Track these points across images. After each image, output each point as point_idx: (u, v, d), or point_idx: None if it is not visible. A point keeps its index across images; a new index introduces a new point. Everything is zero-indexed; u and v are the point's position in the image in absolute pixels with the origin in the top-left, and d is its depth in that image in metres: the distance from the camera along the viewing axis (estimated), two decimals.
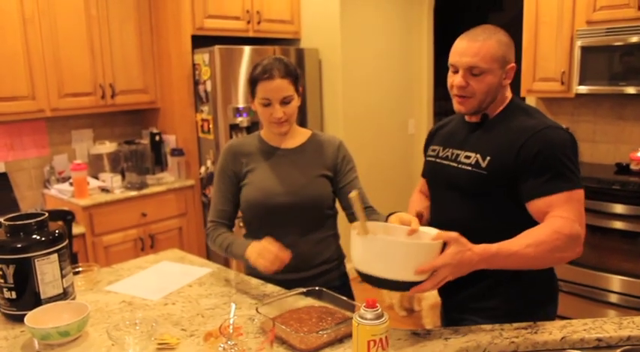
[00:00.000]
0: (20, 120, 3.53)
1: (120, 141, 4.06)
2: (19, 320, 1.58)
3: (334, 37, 4.27)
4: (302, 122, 4.25)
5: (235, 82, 3.78)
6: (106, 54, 3.71)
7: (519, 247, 1.44)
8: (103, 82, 3.70)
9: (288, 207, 1.84)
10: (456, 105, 1.66)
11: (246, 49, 3.83)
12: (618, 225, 3.34)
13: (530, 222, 1.54)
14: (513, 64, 1.64)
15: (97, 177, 3.89)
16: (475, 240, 1.43)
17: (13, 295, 1.65)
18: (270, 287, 1.87)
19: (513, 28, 5.06)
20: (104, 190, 3.65)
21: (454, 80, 1.62)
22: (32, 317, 1.55)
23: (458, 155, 1.70)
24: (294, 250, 1.72)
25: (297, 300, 1.69)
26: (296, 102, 1.83)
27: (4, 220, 1.67)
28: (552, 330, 1.48)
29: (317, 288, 1.67)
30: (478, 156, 1.63)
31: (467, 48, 1.59)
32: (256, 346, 1.27)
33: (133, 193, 3.63)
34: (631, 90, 3.40)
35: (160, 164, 4.10)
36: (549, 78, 3.78)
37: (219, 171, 1.95)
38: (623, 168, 3.68)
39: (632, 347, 1.43)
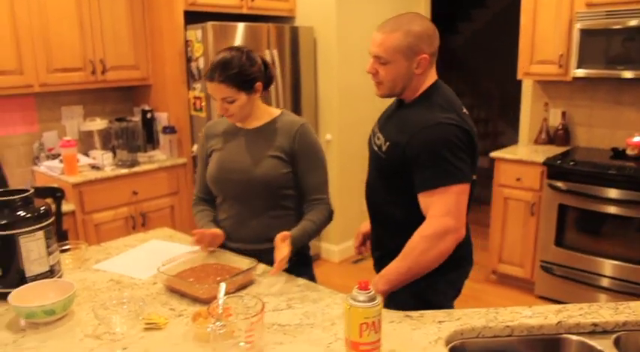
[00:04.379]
0: (8, 95, 3.47)
1: (111, 119, 4.00)
2: (4, 298, 1.54)
3: (329, 15, 4.20)
4: (296, 101, 4.20)
5: None
6: (96, 28, 3.63)
7: (395, 266, 1.70)
8: (93, 58, 3.63)
9: (238, 184, 1.95)
10: (374, 90, 1.81)
11: (240, 26, 3.76)
12: (613, 209, 3.34)
13: None
14: (424, 55, 1.70)
15: (87, 155, 3.83)
16: (387, 212, 1.80)
17: None
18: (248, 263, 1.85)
19: (512, 11, 5.01)
20: (94, 167, 3.60)
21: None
22: (17, 295, 1.52)
23: (376, 135, 1.87)
24: (250, 224, 1.96)
25: (195, 261, 1.84)
26: (241, 102, 1.89)
27: None
28: (548, 315, 1.46)
29: (213, 249, 1.89)
30: (382, 139, 1.81)
31: (375, 38, 1.73)
32: (246, 326, 1.24)
33: (124, 171, 3.59)
34: (629, 74, 3.37)
35: (151, 142, 4.04)
36: (547, 60, 3.74)
37: (198, 150, 2.16)
38: (619, 153, 3.66)
39: (628, 333, 1.41)
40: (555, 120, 4.14)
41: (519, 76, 3.93)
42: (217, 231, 1.93)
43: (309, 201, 1.98)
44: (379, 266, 1.87)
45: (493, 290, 3.99)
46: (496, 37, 7.94)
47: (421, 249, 1.65)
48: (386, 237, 1.90)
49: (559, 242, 3.60)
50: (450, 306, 1.93)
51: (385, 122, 1.88)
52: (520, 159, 3.74)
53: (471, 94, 8.48)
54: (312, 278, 2.04)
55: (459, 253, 1.74)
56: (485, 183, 6.04)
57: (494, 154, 3.90)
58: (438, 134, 1.64)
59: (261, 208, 1.96)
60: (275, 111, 2.02)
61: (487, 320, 1.44)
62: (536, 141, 4.20)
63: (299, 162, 1.95)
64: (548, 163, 3.57)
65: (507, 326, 1.42)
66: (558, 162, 3.53)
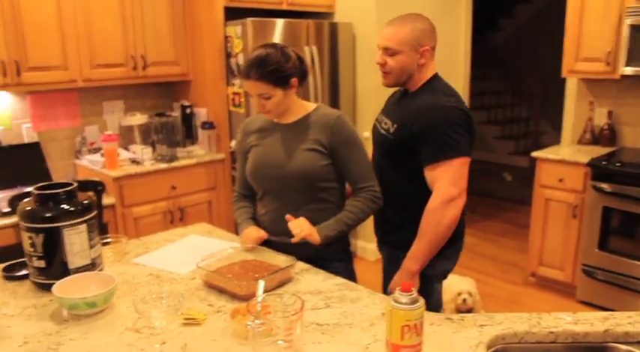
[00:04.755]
0: (52, 90, 3.55)
1: (151, 114, 4.06)
2: (48, 289, 1.58)
3: (369, 11, 4.17)
4: (334, 98, 4.19)
5: None
6: (138, 25, 3.69)
7: (417, 244, 1.91)
8: (134, 53, 3.69)
9: (275, 178, 1.97)
10: (381, 79, 2.04)
11: (279, 22, 3.77)
12: None
13: None
14: (427, 47, 1.98)
15: (127, 149, 3.90)
16: (394, 189, 2.01)
17: (42, 264, 1.65)
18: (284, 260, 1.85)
19: (556, 6, 4.89)
20: (134, 162, 3.66)
21: (377, 58, 2.00)
22: (60, 286, 1.54)
23: (383, 122, 2.09)
24: (288, 212, 1.94)
25: (233, 257, 1.85)
26: (278, 98, 1.89)
27: (34, 189, 1.67)
28: (594, 322, 1.42)
29: (252, 246, 1.91)
30: (390, 123, 2.01)
31: (385, 32, 1.97)
32: (285, 325, 1.24)
33: (163, 165, 3.63)
34: None
35: (190, 137, 4.09)
36: (593, 58, 3.63)
37: (237, 147, 2.18)
38: None
39: None
40: (601, 119, 4.03)
41: (564, 74, 3.84)
42: (261, 232, 1.99)
43: (356, 190, 1.97)
44: (383, 242, 2.18)
45: (532, 293, 3.91)
46: (539, 34, 7.78)
47: (434, 221, 1.87)
48: (390, 213, 2.07)
49: (602, 245, 3.50)
50: (442, 279, 2.14)
51: (391, 109, 2.12)
52: (563, 159, 3.65)
53: (512, 93, 8.35)
54: (352, 275, 2.04)
55: (454, 230, 1.94)
56: (526, 184, 5.94)
57: (535, 154, 3.81)
58: (442, 114, 1.87)
59: (299, 202, 1.97)
60: (311, 106, 2.02)
61: (530, 326, 1.41)
62: (580, 142, 4.09)
63: (339, 154, 1.94)
64: (593, 164, 3.48)
65: (551, 332, 1.39)
66: (603, 163, 3.43)
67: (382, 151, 2.08)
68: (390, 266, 2.09)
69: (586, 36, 3.65)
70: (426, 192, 1.90)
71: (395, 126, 1.99)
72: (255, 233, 1.98)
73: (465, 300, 3.43)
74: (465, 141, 1.89)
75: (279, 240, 1.99)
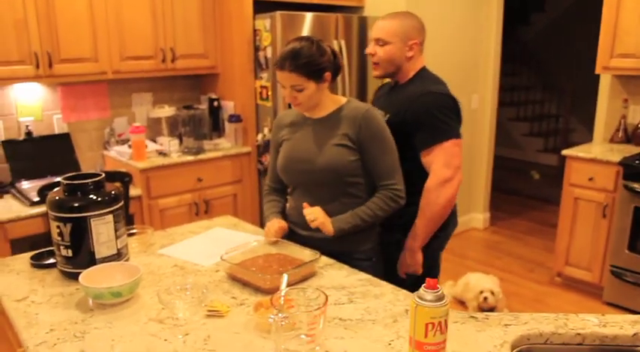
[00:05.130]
0: (83, 82, 3.60)
1: (179, 106, 4.09)
2: (75, 277, 1.60)
3: (399, 5, 4.13)
4: (362, 93, 4.16)
5: None
6: (168, 17, 3.71)
7: (418, 223, 2.08)
8: (164, 46, 3.71)
9: (304, 173, 1.98)
10: (372, 71, 2.18)
11: (308, 16, 3.75)
12: None
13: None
14: (416, 41, 2.10)
15: (155, 141, 3.94)
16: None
17: (70, 253, 1.67)
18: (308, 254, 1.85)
19: (591, 0, 4.78)
20: (161, 154, 3.69)
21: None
22: (86, 275, 1.56)
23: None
24: (316, 205, 1.94)
25: (257, 251, 1.86)
26: (310, 91, 1.89)
27: (63, 179, 1.69)
28: (623, 325, 1.39)
29: (276, 239, 1.93)
30: (382, 114, 2.07)
31: (377, 24, 2.12)
32: (308, 319, 1.23)
33: (190, 158, 3.66)
34: None
35: (217, 130, 4.11)
36: (629, 54, 3.54)
37: (270, 140, 2.19)
38: None
39: None
40: (635, 117, 3.94)
41: (597, 71, 3.75)
42: (282, 223, 2.01)
43: (378, 187, 1.97)
44: (389, 231, 2.16)
45: (558, 293, 3.85)
46: (572, 29, 7.63)
47: (432, 200, 2.03)
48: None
49: (633, 246, 3.42)
50: (436, 260, 2.27)
51: (381, 101, 2.24)
52: (594, 158, 3.58)
53: (542, 89, 8.21)
54: (379, 274, 2.02)
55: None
56: (554, 182, 5.85)
57: (565, 152, 3.74)
58: (432, 100, 2.02)
59: (328, 196, 1.97)
60: (341, 100, 2.01)
61: (556, 327, 1.38)
62: (612, 140, 4.01)
63: (367, 149, 1.93)
64: (625, 163, 3.40)
65: (578, 334, 1.36)
66: (637, 162, 3.35)
67: None
68: (399, 251, 2.18)
69: (621, 31, 3.56)
70: (425, 177, 2.06)
71: (388, 115, 2.09)
72: (277, 224, 1.99)
73: (486, 298, 3.40)
74: (455, 124, 2.05)
75: (308, 235, 2.00)
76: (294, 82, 1.86)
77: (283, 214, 2.12)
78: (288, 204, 2.14)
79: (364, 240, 2.02)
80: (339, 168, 1.92)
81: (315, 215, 1.89)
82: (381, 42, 2.10)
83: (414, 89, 2.07)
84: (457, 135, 2.04)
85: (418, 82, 2.11)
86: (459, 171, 2.05)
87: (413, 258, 2.12)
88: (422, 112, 2.01)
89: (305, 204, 1.92)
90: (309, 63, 1.85)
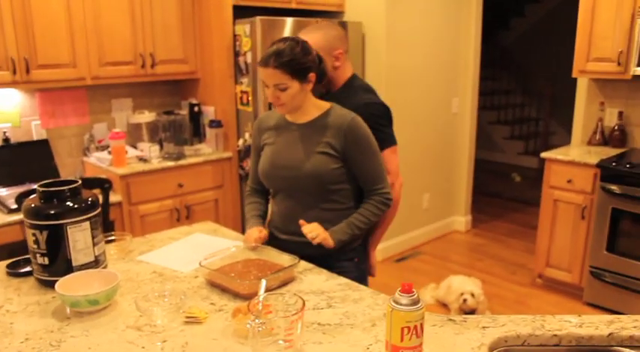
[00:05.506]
0: (61, 88, 3.56)
1: (159, 111, 4.07)
2: (51, 285, 1.58)
3: (379, 11, 4.15)
4: None
5: None
6: (147, 22, 3.69)
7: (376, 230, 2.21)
8: (143, 51, 3.70)
9: (288, 179, 1.97)
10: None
11: (288, 21, 3.76)
12: None
13: None
14: (340, 50, 2.13)
15: (135, 147, 3.91)
16: None
17: (46, 261, 1.65)
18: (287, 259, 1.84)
19: (568, 6, 4.85)
20: (142, 159, 3.67)
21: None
22: (63, 283, 1.54)
23: None
24: (300, 218, 1.94)
25: (236, 256, 1.86)
26: (293, 90, 1.87)
27: (39, 186, 1.67)
28: (599, 325, 1.40)
29: (255, 245, 1.92)
30: None
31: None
32: (285, 325, 1.23)
33: (170, 163, 3.64)
34: None
35: (198, 135, 4.09)
36: (605, 58, 3.60)
37: (252, 142, 2.18)
38: None
39: None
40: (611, 120, 3.99)
41: (574, 74, 3.81)
42: (262, 232, 2.01)
43: (367, 192, 1.99)
44: None
45: (538, 294, 3.88)
46: (550, 33, 7.74)
47: None
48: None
49: (611, 247, 3.47)
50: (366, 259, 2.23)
51: None
52: (572, 160, 3.62)
53: (522, 93, 8.30)
54: (362, 274, 2.07)
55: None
56: (535, 184, 5.91)
57: (544, 155, 3.78)
58: (368, 112, 2.02)
59: (311, 203, 1.97)
60: (325, 105, 1.99)
61: (533, 328, 1.39)
62: (590, 142, 4.06)
63: (351, 157, 1.92)
64: (603, 165, 3.45)
65: (555, 335, 1.37)
66: (613, 164, 3.40)
67: None
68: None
69: (597, 36, 3.62)
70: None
71: None
72: (257, 233, 1.98)
73: (465, 300, 3.43)
74: (390, 131, 2.14)
75: (288, 239, 2.00)
76: (277, 80, 1.84)
77: (264, 217, 2.12)
78: (270, 207, 2.13)
79: (332, 220, 2.00)
80: (323, 176, 1.91)
81: (315, 232, 1.88)
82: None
83: (348, 101, 2.06)
84: (394, 142, 2.13)
85: (350, 92, 2.15)
86: (399, 176, 2.15)
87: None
88: (372, 120, 2.03)
89: (302, 222, 1.91)
90: (293, 60, 1.83)
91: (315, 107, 1.98)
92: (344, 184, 1.97)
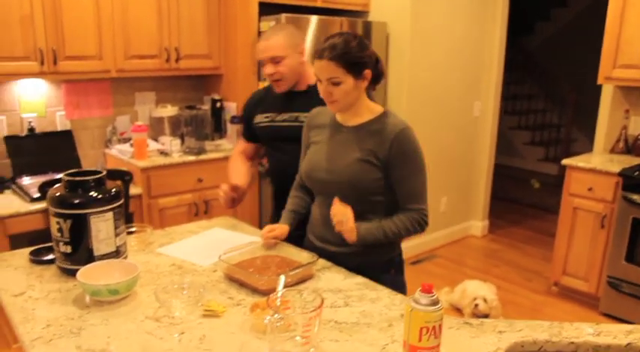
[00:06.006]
0: (87, 79, 3.61)
1: (181, 106, 4.10)
2: (73, 274, 1.61)
3: (404, 11, 4.14)
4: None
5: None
6: (173, 17, 3.72)
7: None
8: (168, 46, 3.73)
9: (326, 183, 1.90)
10: (276, 88, 2.25)
11: (313, 19, 3.77)
12: None
13: None
14: (302, 46, 2.21)
15: (156, 140, 3.94)
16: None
17: (68, 249, 1.68)
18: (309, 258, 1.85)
19: (596, 11, 4.78)
20: (163, 153, 3.70)
21: (266, 70, 2.18)
22: (84, 272, 1.57)
23: (296, 117, 2.25)
24: (331, 226, 1.82)
25: (255, 252, 1.87)
26: (347, 86, 1.78)
27: (64, 176, 1.70)
28: (617, 334, 1.39)
29: (275, 241, 1.92)
30: (299, 114, 2.22)
31: (264, 44, 2.17)
32: (303, 321, 1.24)
33: (191, 158, 3.67)
34: None
35: (219, 131, 4.12)
36: (632, 65, 3.55)
37: (303, 136, 2.11)
38: None
39: None
40: (636, 128, 3.95)
41: (600, 81, 3.76)
42: (274, 229, 1.94)
43: (403, 209, 1.85)
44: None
45: (554, 303, 3.85)
46: (576, 39, 7.65)
47: None
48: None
49: (630, 257, 3.43)
50: None
51: (283, 105, 2.29)
52: (594, 168, 3.58)
53: (544, 98, 8.22)
54: (401, 287, 1.94)
55: None
56: (554, 191, 5.85)
57: (566, 161, 3.75)
58: None
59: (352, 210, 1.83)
60: (377, 109, 1.90)
61: (550, 335, 1.39)
62: (613, 151, 4.01)
63: (394, 169, 1.82)
64: (625, 174, 3.41)
65: (572, 343, 1.37)
66: (636, 173, 3.36)
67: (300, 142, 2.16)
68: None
69: (625, 42, 3.57)
70: None
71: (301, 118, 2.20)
72: (266, 230, 1.94)
73: (477, 305, 3.41)
74: None
75: (324, 247, 1.94)
76: (331, 73, 1.76)
77: (299, 212, 2.07)
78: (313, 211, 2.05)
79: (382, 253, 1.93)
80: (362, 185, 1.82)
81: (345, 216, 1.76)
82: (277, 59, 2.15)
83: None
84: None
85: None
86: None
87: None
88: None
89: (336, 200, 1.78)
90: (348, 53, 1.75)
91: (368, 110, 1.89)
92: (382, 196, 1.86)
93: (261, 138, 2.43)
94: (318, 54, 1.77)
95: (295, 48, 2.17)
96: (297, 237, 2.03)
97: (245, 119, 2.49)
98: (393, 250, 1.97)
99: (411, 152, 1.82)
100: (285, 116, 2.29)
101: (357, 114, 1.88)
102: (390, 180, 1.84)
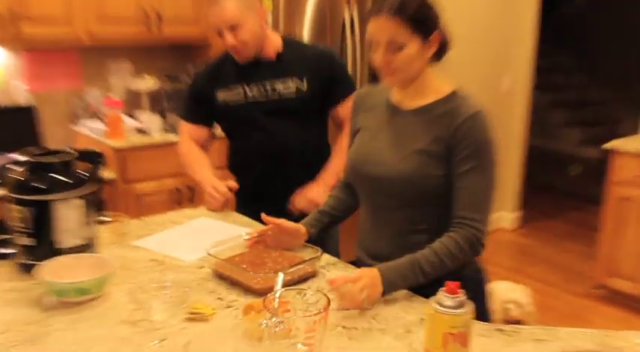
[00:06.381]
0: (54, 48, 3.57)
1: (162, 77, 4.05)
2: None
3: None
4: (374, 75, 4.13)
5: (301, 16, 3.69)
6: None
7: (339, 161, 2.31)
8: (148, 9, 3.67)
9: (372, 180, 1.75)
10: (238, 58, 2.29)
11: None
12: None
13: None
14: (259, 6, 2.25)
15: (133, 116, 3.92)
16: (297, 150, 2.35)
17: (30, 242, 1.66)
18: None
19: None
20: (140, 131, 3.69)
21: (226, 41, 2.22)
22: (48, 268, 1.55)
23: (271, 87, 2.31)
24: (384, 238, 1.76)
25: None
26: (411, 51, 1.61)
27: (27, 156, 1.68)
28: None
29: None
30: (291, 82, 2.30)
31: (218, 12, 2.18)
32: (306, 326, 1.22)
33: (173, 137, 3.64)
34: None
35: None
36: None
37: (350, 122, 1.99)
38: None
39: None
40: None
41: None
42: (298, 227, 1.86)
43: (455, 219, 1.65)
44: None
45: (598, 308, 3.85)
46: (622, 5, 7.58)
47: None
48: (295, 175, 2.37)
49: None
50: None
51: (267, 73, 2.31)
52: None
53: (584, 73, 8.18)
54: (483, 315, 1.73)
55: None
56: (596, 179, 5.83)
57: (609, 145, 3.72)
58: (333, 54, 2.52)
59: (401, 220, 1.72)
60: (446, 89, 1.73)
61: (595, 344, 1.38)
62: None
63: (454, 163, 1.64)
64: None
65: None
66: None
67: (283, 115, 2.33)
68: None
69: None
70: (324, 145, 2.46)
71: (305, 81, 2.31)
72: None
73: (508, 310, 3.40)
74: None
75: (374, 265, 1.63)
76: (393, 33, 1.58)
77: (328, 214, 1.94)
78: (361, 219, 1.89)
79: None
80: (420, 184, 1.66)
81: (359, 283, 1.52)
82: (237, 26, 2.17)
83: (309, 50, 2.42)
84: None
85: (300, 47, 2.44)
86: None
87: (320, 196, 2.22)
88: (336, 65, 2.40)
89: (329, 279, 1.57)
90: (418, 9, 1.60)
91: (433, 90, 1.72)
92: (440, 200, 1.67)
93: (227, 118, 2.44)
94: (375, 9, 1.62)
95: (254, 9, 2.19)
96: (251, 213, 2.16)
97: (194, 97, 2.48)
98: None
99: (480, 143, 1.64)
100: (255, 88, 2.33)
101: (418, 93, 1.73)
102: (449, 175, 1.66)
